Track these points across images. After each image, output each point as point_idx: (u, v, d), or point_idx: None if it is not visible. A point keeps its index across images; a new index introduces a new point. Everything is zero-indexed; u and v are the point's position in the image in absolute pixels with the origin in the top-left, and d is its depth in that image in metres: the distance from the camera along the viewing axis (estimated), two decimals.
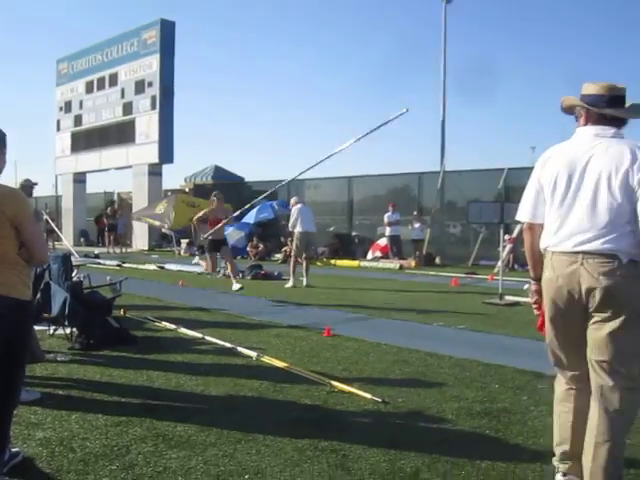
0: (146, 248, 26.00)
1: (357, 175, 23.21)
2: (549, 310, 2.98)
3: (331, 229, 23.35)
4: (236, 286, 10.29)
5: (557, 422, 3.09)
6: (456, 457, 3.44)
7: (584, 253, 2.77)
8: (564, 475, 3.03)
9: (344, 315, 8.59)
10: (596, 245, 2.75)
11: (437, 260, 18.98)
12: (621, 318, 2.73)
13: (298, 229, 12.59)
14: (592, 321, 2.81)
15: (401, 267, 17.51)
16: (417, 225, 19.16)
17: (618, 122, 2.89)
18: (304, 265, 12.57)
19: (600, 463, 2.75)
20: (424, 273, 15.90)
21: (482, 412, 4.23)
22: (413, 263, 18.04)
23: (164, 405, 4.38)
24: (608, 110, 2.88)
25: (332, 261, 19.31)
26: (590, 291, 2.76)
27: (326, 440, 3.66)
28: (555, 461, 3.09)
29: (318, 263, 18.13)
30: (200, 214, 10.84)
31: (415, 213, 19.58)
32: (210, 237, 10.43)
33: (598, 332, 2.79)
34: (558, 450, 3.06)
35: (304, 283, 12.30)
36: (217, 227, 10.32)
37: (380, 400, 4.41)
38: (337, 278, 14.29)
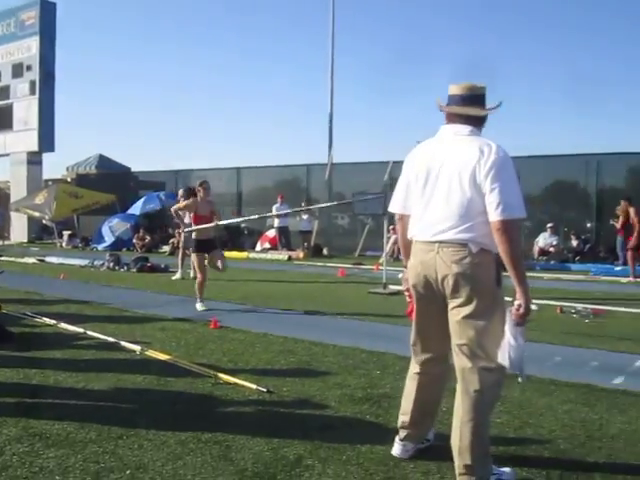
0: (25, 240, 24.86)
1: (246, 166, 23.17)
2: (413, 295, 3.21)
3: None
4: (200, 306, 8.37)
5: (404, 395, 3.38)
6: (338, 442, 3.53)
7: (440, 242, 2.98)
8: (401, 440, 3.35)
9: (231, 306, 8.59)
10: (449, 235, 2.95)
11: (325, 251, 19.28)
12: (474, 303, 2.93)
13: (186, 220, 12.43)
14: (450, 307, 3.02)
15: (289, 258, 17.67)
16: (305, 217, 19.37)
17: (474, 120, 3.08)
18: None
19: (466, 442, 2.93)
20: (312, 264, 16.11)
21: (364, 398, 4.37)
22: (301, 254, 18.24)
23: (42, 403, 4.24)
24: (457, 109, 3.09)
25: None
26: (444, 278, 2.97)
27: (210, 432, 3.67)
28: (398, 426, 3.38)
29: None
30: (181, 205, 9.25)
31: (303, 204, 19.77)
32: (194, 236, 8.71)
33: (455, 317, 2.99)
34: (400, 418, 3.36)
35: (192, 275, 12.15)
36: (205, 226, 8.65)
37: (265, 390, 4.46)
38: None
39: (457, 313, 2.98)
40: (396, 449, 3.36)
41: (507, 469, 3.11)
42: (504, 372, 3.02)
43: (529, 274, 10.83)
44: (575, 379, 4.88)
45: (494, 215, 2.83)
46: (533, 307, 8.38)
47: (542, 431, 3.78)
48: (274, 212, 19.11)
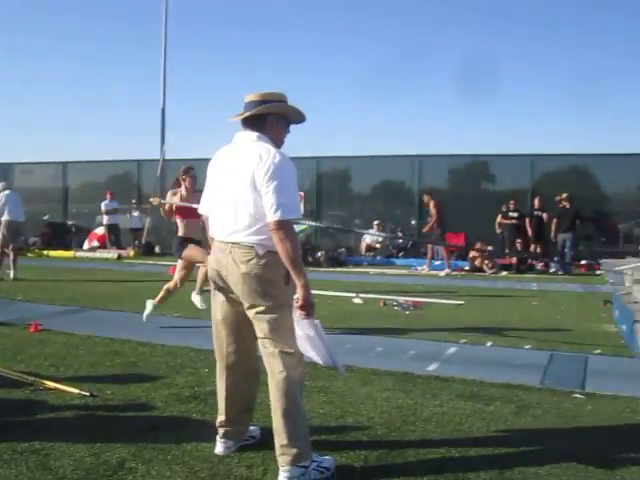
0: None
1: (73, 161, 22.12)
2: (212, 291, 3.37)
3: (46, 217, 21.94)
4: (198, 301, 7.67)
5: (218, 395, 3.48)
6: (163, 443, 3.51)
7: (232, 243, 3.14)
8: (221, 437, 3.43)
9: (55, 308, 8.20)
10: (239, 237, 3.12)
11: (157, 249, 18.89)
12: (264, 301, 3.10)
13: (5, 217, 11.74)
14: (245, 306, 3.18)
15: (119, 257, 17.17)
16: (136, 214, 18.88)
17: (260, 127, 3.24)
18: (11, 256, 11.73)
19: (279, 423, 3.09)
20: (143, 262, 15.77)
21: (191, 396, 4.37)
22: (132, 252, 17.79)
23: None
24: (235, 118, 3.28)
25: (45, 252, 18.22)
26: (234, 277, 3.13)
27: (27, 441, 3.49)
28: (217, 425, 3.46)
29: (29, 254, 17.04)
30: (176, 199, 7.09)
31: (134, 201, 19.25)
32: (180, 233, 7.06)
33: (250, 314, 3.17)
34: (218, 418, 3.46)
35: (11, 276, 11.49)
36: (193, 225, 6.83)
37: (88, 394, 4.32)
38: (50, 270, 13.55)
39: (251, 310, 3.15)
40: (218, 447, 3.43)
41: (327, 457, 3.26)
42: (303, 354, 3.21)
43: (357, 269, 11.43)
44: (394, 368, 5.19)
45: (270, 216, 3.00)
46: (358, 301, 8.76)
47: (362, 419, 3.98)
48: (103, 209, 18.42)
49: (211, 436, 3.51)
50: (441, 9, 43.29)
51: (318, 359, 3.14)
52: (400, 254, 17.15)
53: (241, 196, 3.10)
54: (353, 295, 9.24)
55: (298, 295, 3.05)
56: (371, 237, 17.32)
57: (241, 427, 3.46)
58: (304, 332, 3.07)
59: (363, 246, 17.45)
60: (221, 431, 3.42)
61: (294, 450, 3.05)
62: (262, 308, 3.11)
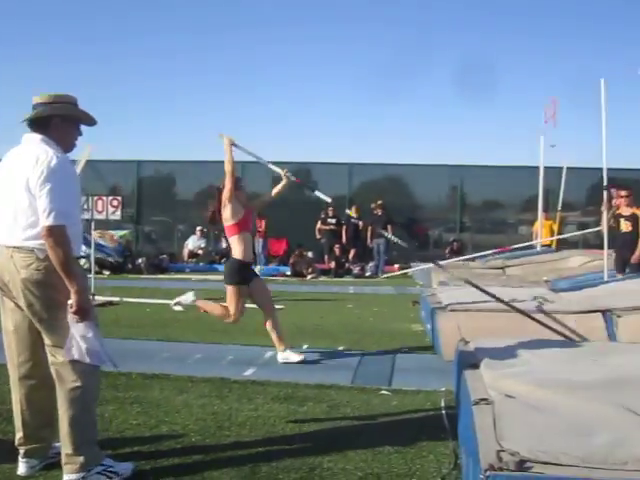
0: None
1: None
2: (0, 299, 3.24)
3: None
4: (293, 357, 5.83)
5: (14, 410, 3.34)
6: None
7: (13, 248, 3.06)
8: (23, 457, 3.27)
9: None
10: (19, 241, 3.05)
11: None
12: (47, 306, 3.05)
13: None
14: (29, 313, 3.09)
15: None
16: None
17: (43, 129, 3.18)
18: None
19: (67, 430, 3.04)
20: None
21: None
22: None
23: None
24: (23, 121, 3.22)
25: None
26: (15, 282, 3.05)
27: None
28: (16, 444, 3.30)
29: None
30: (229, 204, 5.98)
31: None
32: (240, 256, 5.87)
33: (34, 320, 3.09)
34: (17, 435, 3.31)
35: None
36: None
37: None
38: None
39: (33, 316, 3.08)
40: (21, 468, 3.25)
41: (124, 463, 3.23)
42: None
43: (179, 276, 11.26)
44: (211, 374, 5.21)
45: (42, 221, 2.97)
46: (179, 308, 8.60)
47: (177, 427, 3.96)
48: None
49: (14, 456, 3.33)
50: None
51: (90, 359, 3.07)
52: (222, 260, 17.15)
53: (19, 199, 3.03)
54: (172, 302, 9.09)
55: (71, 300, 3.00)
56: (193, 243, 17.18)
57: (43, 443, 3.29)
58: (79, 334, 3.01)
59: (185, 252, 17.25)
60: (22, 450, 3.25)
61: (80, 459, 3.03)
62: (46, 315, 3.04)
